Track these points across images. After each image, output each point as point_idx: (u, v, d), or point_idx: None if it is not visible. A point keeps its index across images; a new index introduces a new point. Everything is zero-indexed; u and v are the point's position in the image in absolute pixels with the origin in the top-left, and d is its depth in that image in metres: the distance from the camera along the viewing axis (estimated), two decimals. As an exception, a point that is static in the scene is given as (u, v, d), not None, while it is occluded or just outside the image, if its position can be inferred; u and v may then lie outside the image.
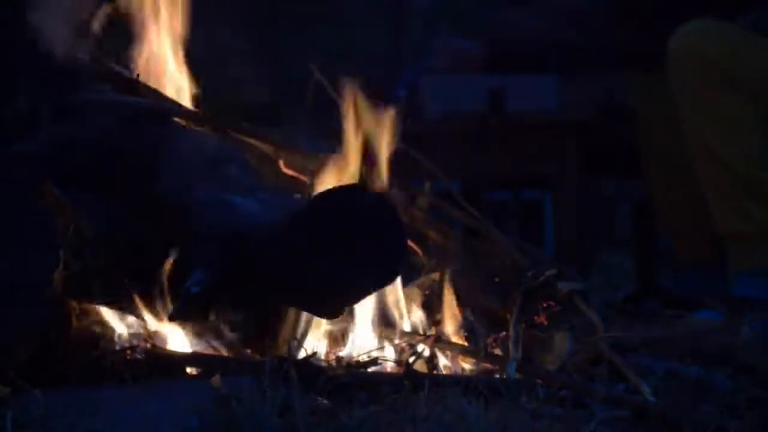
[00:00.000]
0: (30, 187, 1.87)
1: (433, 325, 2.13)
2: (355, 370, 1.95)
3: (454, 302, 2.11)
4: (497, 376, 1.98)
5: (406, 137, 2.53)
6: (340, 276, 1.80)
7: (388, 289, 2.05)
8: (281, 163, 2.27)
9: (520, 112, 3.52)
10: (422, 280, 2.19)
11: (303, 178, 2.25)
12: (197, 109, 2.24)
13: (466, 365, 2.07)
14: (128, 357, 1.91)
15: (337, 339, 2.07)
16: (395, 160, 2.33)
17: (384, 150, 2.04)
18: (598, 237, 4.27)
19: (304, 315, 1.98)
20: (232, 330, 1.99)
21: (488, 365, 2.03)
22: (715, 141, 2.88)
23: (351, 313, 2.05)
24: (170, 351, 1.95)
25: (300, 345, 1.95)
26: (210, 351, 1.99)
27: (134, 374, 1.85)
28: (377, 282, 1.87)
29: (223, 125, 2.25)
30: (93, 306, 1.97)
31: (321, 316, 1.92)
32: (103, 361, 1.88)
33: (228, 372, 1.80)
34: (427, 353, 2.03)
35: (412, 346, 2.08)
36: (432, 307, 2.19)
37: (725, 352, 2.27)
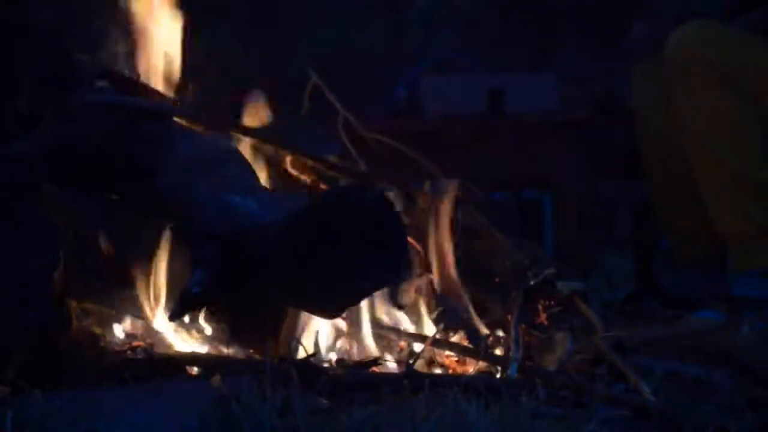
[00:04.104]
0: (30, 187, 1.87)
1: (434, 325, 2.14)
2: (355, 370, 1.95)
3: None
4: (497, 376, 1.98)
5: (406, 137, 2.53)
6: (341, 276, 1.79)
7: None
8: (286, 162, 2.27)
9: (520, 112, 3.52)
10: (419, 279, 2.20)
11: (304, 177, 2.26)
12: (197, 109, 2.24)
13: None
14: (128, 357, 1.91)
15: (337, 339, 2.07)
16: (395, 160, 2.34)
17: None
18: (598, 237, 4.26)
19: (304, 315, 1.98)
20: (232, 330, 1.99)
21: (488, 365, 2.04)
22: (714, 141, 2.88)
23: (351, 314, 2.05)
24: (170, 351, 1.95)
25: (299, 345, 1.95)
26: (210, 351, 1.99)
27: (134, 374, 1.85)
28: (378, 282, 1.87)
29: (223, 125, 2.25)
30: (93, 306, 1.97)
31: (321, 316, 1.92)
32: (103, 361, 1.88)
33: (228, 372, 1.80)
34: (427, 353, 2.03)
35: (411, 346, 2.08)
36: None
37: (725, 352, 2.27)
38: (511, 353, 2.00)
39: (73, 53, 2.19)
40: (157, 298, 2.00)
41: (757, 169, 2.86)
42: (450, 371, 2.05)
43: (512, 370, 1.94)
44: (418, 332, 2.13)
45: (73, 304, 1.93)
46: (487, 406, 1.67)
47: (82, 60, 2.19)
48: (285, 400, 1.65)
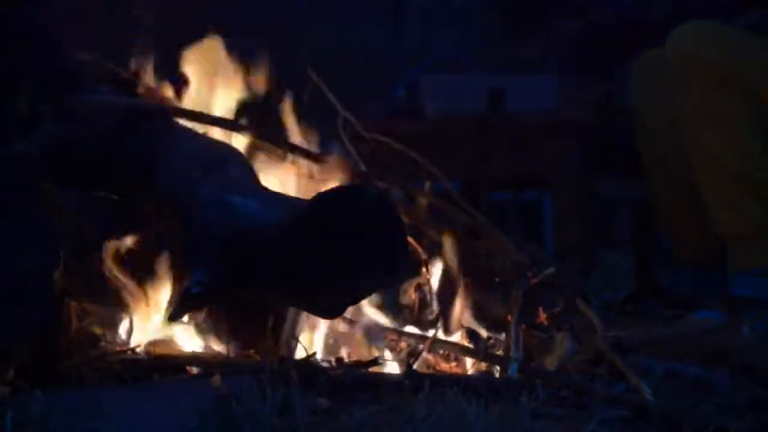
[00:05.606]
0: (30, 188, 1.87)
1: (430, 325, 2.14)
2: (355, 370, 1.95)
3: None
4: (497, 376, 1.98)
5: (406, 137, 2.53)
6: (341, 276, 1.80)
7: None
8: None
9: (520, 112, 3.52)
10: (418, 278, 2.19)
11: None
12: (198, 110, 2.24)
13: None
14: (128, 357, 1.91)
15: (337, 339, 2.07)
16: (395, 160, 2.34)
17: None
18: (598, 237, 4.26)
19: (304, 315, 1.98)
20: (231, 330, 1.99)
21: (488, 365, 2.03)
22: (714, 142, 2.88)
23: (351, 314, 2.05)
24: (170, 351, 1.95)
25: (299, 345, 1.95)
26: (210, 351, 1.99)
27: (134, 374, 1.85)
28: (378, 281, 1.87)
29: (227, 126, 2.25)
30: (93, 306, 1.97)
31: (322, 316, 1.92)
32: (103, 361, 1.88)
33: (228, 372, 1.80)
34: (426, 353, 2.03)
35: (411, 346, 2.08)
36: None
37: (725, 352, 2.27)
38: (511, 353, 1.99)
39: (73, 53, 2.19)
40: (157, 299, 1.99)
41: (757, 169, 2.86)
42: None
43: (512, 370, 1.94)
44: (417, 332, 2.13)
45: (73, 304, 1.93)
46: (487, 406, 1.67)
47: (82, 60, 2.18)
48: (285, 400, 1.65)
